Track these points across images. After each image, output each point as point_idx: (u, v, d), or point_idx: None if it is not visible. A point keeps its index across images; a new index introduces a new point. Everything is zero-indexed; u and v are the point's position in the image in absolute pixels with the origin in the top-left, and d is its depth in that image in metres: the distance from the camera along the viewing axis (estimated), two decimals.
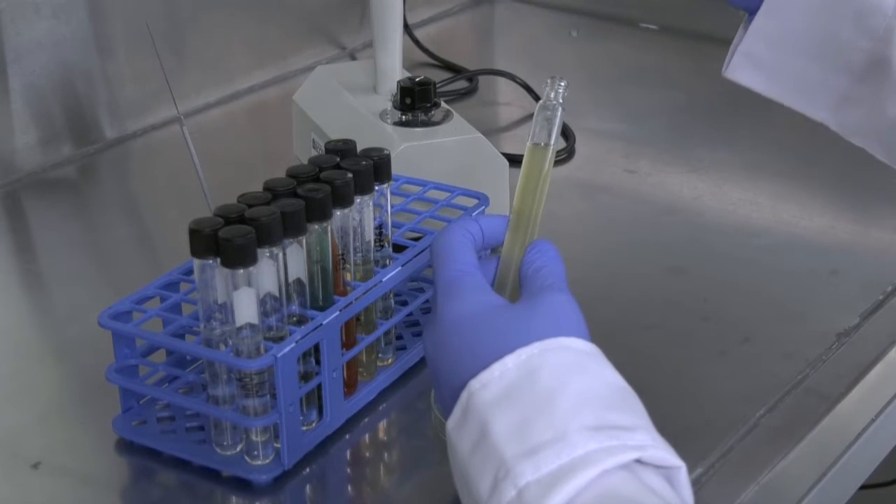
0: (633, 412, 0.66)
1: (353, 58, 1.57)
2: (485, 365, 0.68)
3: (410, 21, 1.55)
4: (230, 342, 0.83)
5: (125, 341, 0.88)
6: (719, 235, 1.18)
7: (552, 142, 0.77)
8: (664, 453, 0.64)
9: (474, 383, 0.67)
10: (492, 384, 0.67)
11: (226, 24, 1.45)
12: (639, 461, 0.64)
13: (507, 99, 1.47)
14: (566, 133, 1.37)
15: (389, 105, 1.18)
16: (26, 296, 1.14)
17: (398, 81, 1.18)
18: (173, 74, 1.35)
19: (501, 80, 1.50)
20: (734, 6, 0.87)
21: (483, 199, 1.02)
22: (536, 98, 1.44)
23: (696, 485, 0.86)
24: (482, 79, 1.50)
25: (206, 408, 0.86)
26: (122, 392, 0.89)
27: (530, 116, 1.45)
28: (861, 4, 0.83)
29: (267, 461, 0.85)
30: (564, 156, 1.33)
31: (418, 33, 1.59)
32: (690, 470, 0.87)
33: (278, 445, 0.85)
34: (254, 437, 0.85)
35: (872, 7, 0.82)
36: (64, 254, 1.16)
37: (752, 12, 0.86)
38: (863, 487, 1.02)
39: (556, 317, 0.70)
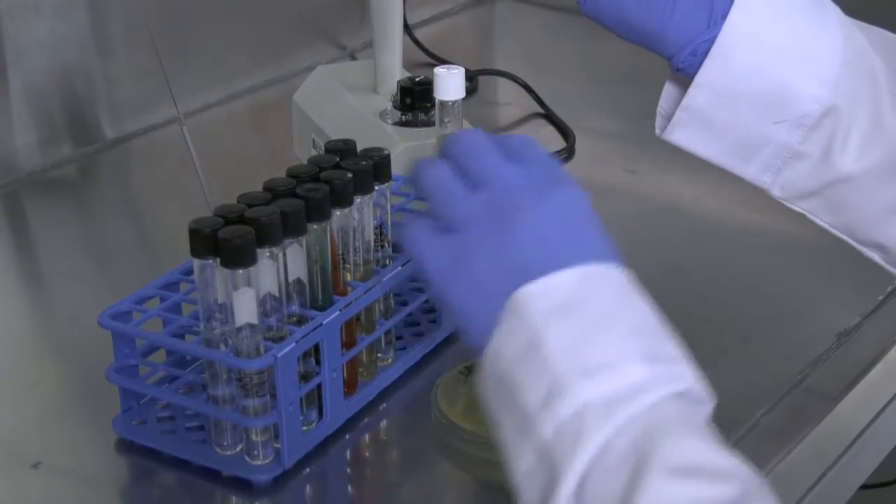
0: (674, 343, 0.66)
1: (353, 58, 1.57)
2: (532, 275, 0.65)
3: (410, 21, 1.55)
4: (230, 342, 0.83)
5: (125, 341, 0.88)
6: (719, 235, 1.18)
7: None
8: (701, 387, 0.65)
9: (528, 290, 0.65)
10: (547, 295, 0.65)
11: (226, 24, 1.45)
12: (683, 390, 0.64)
13: (507, 99, 1.47)
14: (566, 133, 1.37)
15: (389, 105, 1.18)
16: (26, 296, 1.14)
17: (398, 81, 1.18)
18: (173, 74, 1.35)
19: (501, 80, 1.50)
20: (674, 67, 0.81)
21: None
22: (537, 98, 1.44)
23: None
24: (482, 79, 1.50)
25: (206, 408, 0.86)
26: (122, 392, 0.89)
27: (530, 116, 1.46)
28: (812, 51, 0.79)
29: (267, 461, 0.85)
30: (564, 155, 1.33)
31: (418, 33, 1.59)
32: None
33: (278, 445, 0.85)
34: (254, 437, 0.85)
35: (824, 54, 0.79)
36: (64, 254, 1.16)
37: (685, 67, 0.81)
38: (863, 487, 1.02)
39: (598, 234, 0.69)
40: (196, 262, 0.82)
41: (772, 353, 1.00)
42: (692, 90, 0.80)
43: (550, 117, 1.41)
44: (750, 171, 0.83)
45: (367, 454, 0.90)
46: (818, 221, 0.84)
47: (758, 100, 0.79)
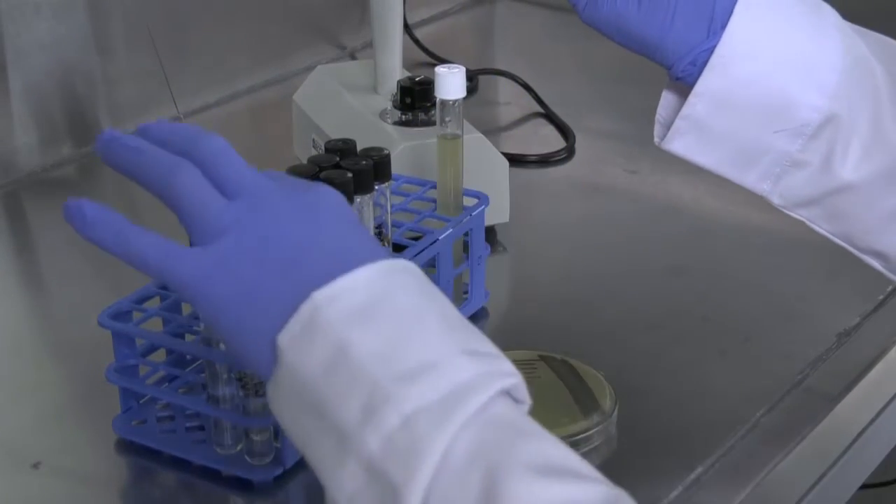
0: (487, 340, 0.61)
1: (353, 58, 1.57)
2: (325, 278, 0.60)
3: (410, 21, 1.55)
4: None
5: (125, 341, 0.88)
6: (719, 235, 1.18)
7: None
8: (522, 384, 0.60)
9: (320, 296, 0.59)
10: (344, 298, 0.59)
11: (226, 24, 1.45)
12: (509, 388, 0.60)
13: (507, 99, 1.47)
14: (566, 133, 1.37)
15: (389, 105, 1.18)
16: (26, 296, 1.14)
17: (398, 81, 1.18)
18: (173, 74, 1.35)
19: (501, 80, 1.50)
20: (673, 77, 0.81)
21: (483, 199, 1.02)
22: (537, 98, 1.44)
23: (696, 485, 0.86)
24: (482, 79, 1.50)
25: (206, 408, 0.85)
26: (122, 392, 0.89)
27: (530, 116, 1.46)
28: (812, 60, 0.79)
29: (267, 461, 0.85)
30: (564, 155, 1.33)
31: (418, 33, 1.59)
32: (690, 470, 0.88)
33: (278, 445, 0.85)
34: (254, 437, 0.84)
35: (823, 63, 0.78)
36: (64, 254, 1.16)
37: (684, 76, 0.80)
38: (863, 487, 1.02)
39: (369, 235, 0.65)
40: None
41: (772, 353, 1.00)
42: (691, 99, 0.80)
43: (550, 117, 1.41)
44: (749, 180, 0.82)
45: None
46: (818, 229, 0.84)
47: (757, 109, 0.79)
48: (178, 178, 0.64)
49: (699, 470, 0.87)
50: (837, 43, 0.79)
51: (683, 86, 0.81)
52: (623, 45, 0.81)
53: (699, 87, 0.79)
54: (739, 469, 0.87)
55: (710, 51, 0.78)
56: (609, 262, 1.14)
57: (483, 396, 0.57)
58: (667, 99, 0.84)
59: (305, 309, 0.60)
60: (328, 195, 0.65)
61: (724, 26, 0.78)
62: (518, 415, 0.59)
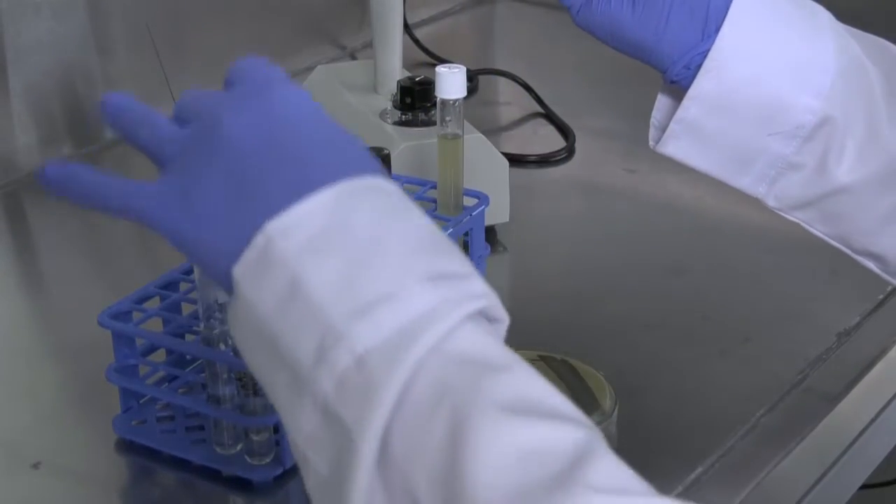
0: (460, 258, 0.58)
1: (353, 58, 1.57)
2: (280, 205, 0.57)
3: (410, 21, 1.55)
4: (230, 341, 0.83)
5: (125, 341, 0.88)
6: (719, 235, 1.18)
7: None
8: (497, 303, 0.57)
9: (273, 227, 0.56)
10: (300, 228, 0.56)
11: (226, 23, 1.45)
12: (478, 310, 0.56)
13: (507, 99, 1.47)
14: (566, 133, 1.37)
15: (389, 105, 1.18)
16: (26, 296, 1.14)
17: (398, 81, 1.18)
18: (173, 74, 1.35)
19: (501, 80, 1.50)
20: (668, 80, 0.80)
21: (483, 199, 1.02)
22: (537, 98, 1.44)
23: (696, 485, 0.86)
24: (482, 79, 1.50)
25: (205, 408, 0.85)
26: (122, 392, 0.89)
27: (530, 116, 1.46)
28: (806, 62, 0.78)
29: (267, 461, 0.85)
30: (564, 155, 1.33)
31: (418, 33, 1.59)
32: (690, 470, 0.88)
33: (278, 445, 0.85)
34: (254, 437, 0.84)
35: (817, 65, 0.78)
36: (64, 254, 1.16)
37: (679, 80, 0.80)
38: (863, 487, 1.02)
39: (342, 136, 0.61)
40: None
41: (772, 353, 1.00)
42: (686, 102, 0.79)
43: (550, 117, 1.41)
44: (744, 182, 0.82)
45: None
46: (813, 231, 0.83)
47: (752, 111, 0.79)
48: (121, 103, 0.64)
49: (699, 470, 0.87)
50: (831, 44, 0.79)
51: (678, 89, 0.81)
52: (617, 48, 0.81)
53: (693, 90, 0.79)
54: (739, 469, 0.87)
55: (705, 54, 0.78)
56: (609, 261, 1.14)
57: (441, 327, 0.53)
58: (661, 102, 0.84)
59: (259, 241, 0.56)
60: (287, 99, 0.60)
61: (718, 29, 0.78)
62: (489, 343, 0.55)
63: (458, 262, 0.57)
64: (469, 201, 1.02)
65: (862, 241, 0.82)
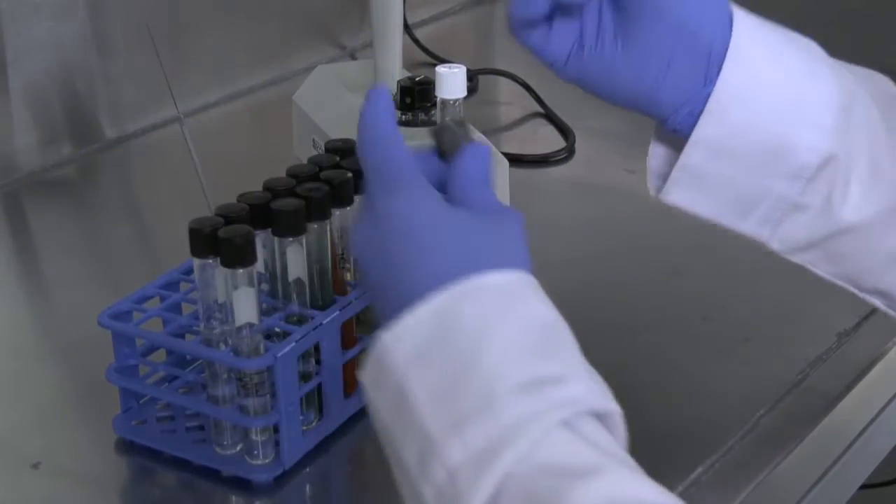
0: (563, 356, 0.60)
1: (353, 58, 1.57)
2: (392, 314, 0.61)
3: (410, 21, 1.55)
4: (230, 342, 0.83)
5: (125, 341, 0.88)
6: (719, 235, 1.18)
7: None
8: (599, 400, 0.59)
9: (387, 337, 0.61)
10: (404, 339, 0.60)
11: (226, 24, 1.45)
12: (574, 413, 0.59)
13: (507, 99, 1.47)
14: (566, 133, 1.37)
15: None
16: (26, 296, 1.14)
17: (398, 81, 1.18)
18: (173, 74, 1.35)
19: (501, 80, 1.50)
20: (668, 128, 0.77)
21: None
22: (537, 98, 1.44)
23: (696, 484, 0.86)
24: (482, 79, 1.50)
25: (206, 408, 0.85)
26: (122, 392, 0.89)
27: (530, 116, 1.46)
28: (807, 101, 0.75)
29: (267, 461, 0.85)
30: (564, 155, 1.33)
31: (418, 33, 1.59)
32: (690, 470, 0.88)
33: (278, 445, 0.85)
34: (254, 437, 0.85)
35: (818, 102, 0.75)
36: (64, 254, 1.16)
37: (682, 127, 0.77)
38: (863, 487, 1.02)
39: (490, 241, 0.63)
40: (196, 262, 0.82)
41: (772, 353, 1.00)
42: (689, 149, 0.76)
43: (550, 117, 1.41)
44: (748, 226, 0.79)
45: (367, 454, 0.90)
46: (818, 272, 0.81)
47: (755, 154, 0.76)
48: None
49: (699, 470, 0.87)
50: (831, 81, 0.77)
51: (671, 135, 0.78)
52: (610, 99, 0.78)
53: (696, 135, 0.76)
54: (739, 469, 0.87)
55: (706, 99, 0.75)
56: (609, 261, 1.14)
57: (528, 439, 0.56)
58: (656, 149, 0.81)
59: (376, 349, 0.62)
60: (397, 211, 0.64)
61: (719, 71, 0.75)
62: (579, 449, 0.57)
63: (558, 361, 0.60)
64: None
65: (869, 280, 0.80)
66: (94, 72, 1.34)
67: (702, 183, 0.78)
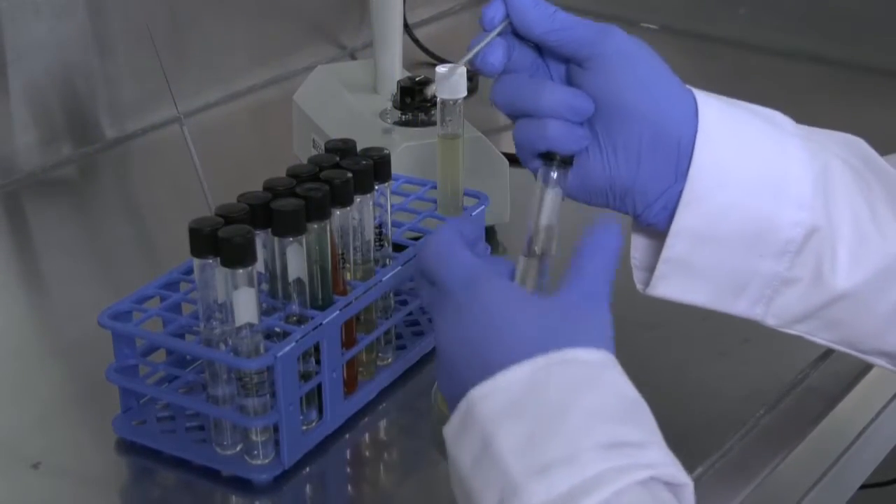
0: (644, 427, 0.64)
1: (353, 58, 1.57)
2: (490, 371, 0.64)
3: (410, 21, 1.55)
4: (230, 342, 0.83)
5: (125, 341, 0.88)
6: None
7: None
8: (674, 470, 0.63)
9: (475, 393, 0.64)
10: (496, 395, 0.64)
11: (226, 24, 1.45)
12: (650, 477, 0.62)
13: None
14: None
15: (389, 105, 1.18)
16: (26, 296, 1.14)
17: (398, 81, 1.18)
18: (173, 74, 1.35)
19: None
20: (643, 223, 0.78)
21: (483, 199, 1.02)
22: None
23: (696, 485, 0.86)
24: (482, 79, 1.50)
25: (206, 407, 0.86)
26: (122, 392, 0.89)
27: None
28: (782, 176, 0.75)
29: (267, 461, 0.85)
30: None
31: (418, 33, 1.59)
32: (690, 469, 0.87)
33: (278, 445, 0.85)
34: (254, 437, 0.85)
35: (793, 176, 0.75)
36: (64, 254, 1.16)
37: (657, 221, 0.78)
38: (863, 487, 1.02)
39: (575, 323, 0.67)
40: (196, 262, 0.82)
41: (772, 353, 1.00)
42: (670, 240, 0.76)
43: None
44: (741, 307, 0.79)
45: (367, 454, 0.90)
46: (818, 340, 0.81)
47: (738, 237, 0.76)
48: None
49: (699, 470, 0.87)
50: (802, 152, 0.76)
51: (652, 228, 0.79)
52: (584, 199, 0.79)
53: (676, 226, 0.76)
54: (739, 469, 0.87)
55: (680, 191, 0.75)
56: None
57: (607, 490, 0.59)
58: (638, 242, 0.81)
59: (463, 405, 0.65)
60: (477, 301, 0.68)
61: (689, 161, 0.75)
62: (644, 502, 0.60)
63: (639, 431, 0.63)
64: (469, 201, 1.02)
65: (869, 342, 0.80)
66: (94, 72, 1.34)
67: (688, 273, 0.78)
